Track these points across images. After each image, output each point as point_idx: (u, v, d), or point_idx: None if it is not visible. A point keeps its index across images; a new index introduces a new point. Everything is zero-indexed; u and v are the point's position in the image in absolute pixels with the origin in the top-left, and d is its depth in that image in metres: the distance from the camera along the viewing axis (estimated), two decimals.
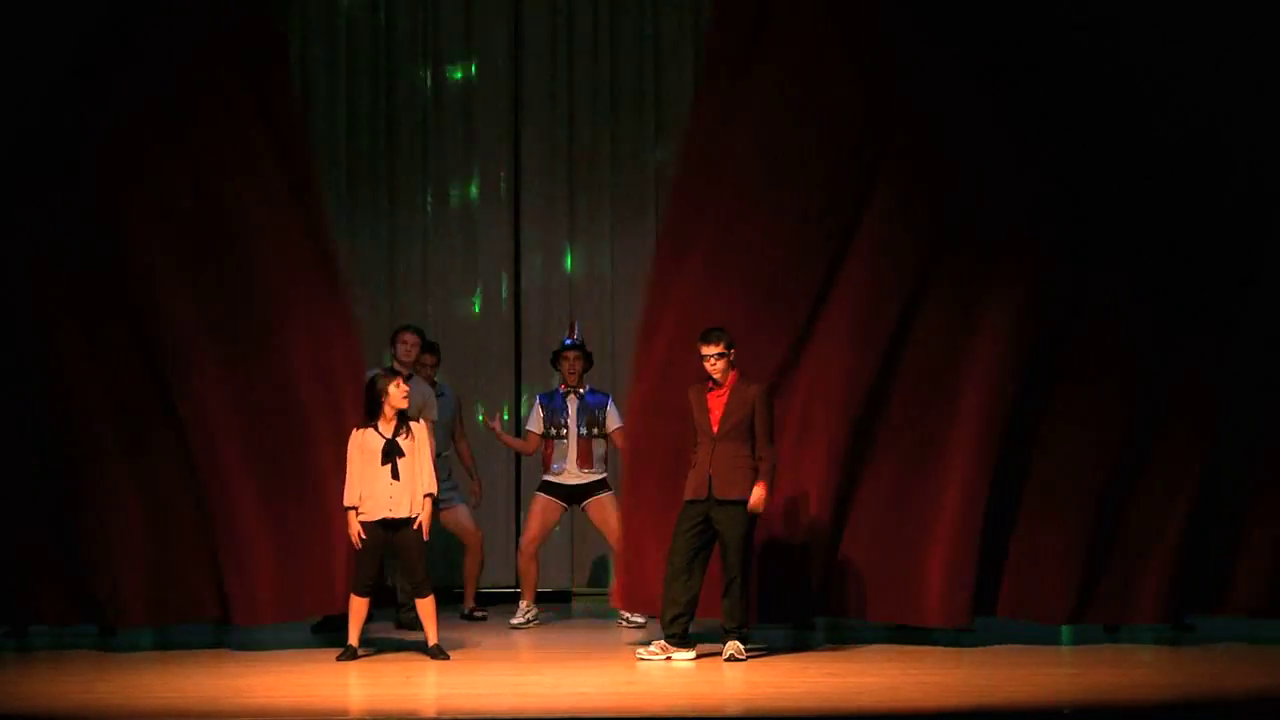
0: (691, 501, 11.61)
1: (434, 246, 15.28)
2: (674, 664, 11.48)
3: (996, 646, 12.17)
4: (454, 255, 15.28)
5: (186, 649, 12.36)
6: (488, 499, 14.73)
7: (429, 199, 15.29)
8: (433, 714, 10.34)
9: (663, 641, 11.63)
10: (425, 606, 11.79)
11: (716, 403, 11.62)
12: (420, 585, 11.78)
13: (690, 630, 11.63)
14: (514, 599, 13.76)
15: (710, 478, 11.55)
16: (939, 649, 12.11)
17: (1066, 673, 11.17)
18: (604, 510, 13.43)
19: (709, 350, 11.58)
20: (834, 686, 10.82)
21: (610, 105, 15.31)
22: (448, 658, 11.70)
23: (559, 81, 15.29)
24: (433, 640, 11.77)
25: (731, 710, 10.31)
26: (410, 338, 13.31)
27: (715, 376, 11.61)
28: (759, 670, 11.30)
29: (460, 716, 10.02)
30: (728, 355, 11.59)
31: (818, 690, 10.71)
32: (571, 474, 13.41)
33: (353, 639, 11.77)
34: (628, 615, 13.30)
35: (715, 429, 11.58)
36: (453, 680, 11.14)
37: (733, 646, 11.52)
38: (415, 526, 11.70)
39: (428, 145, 15.28)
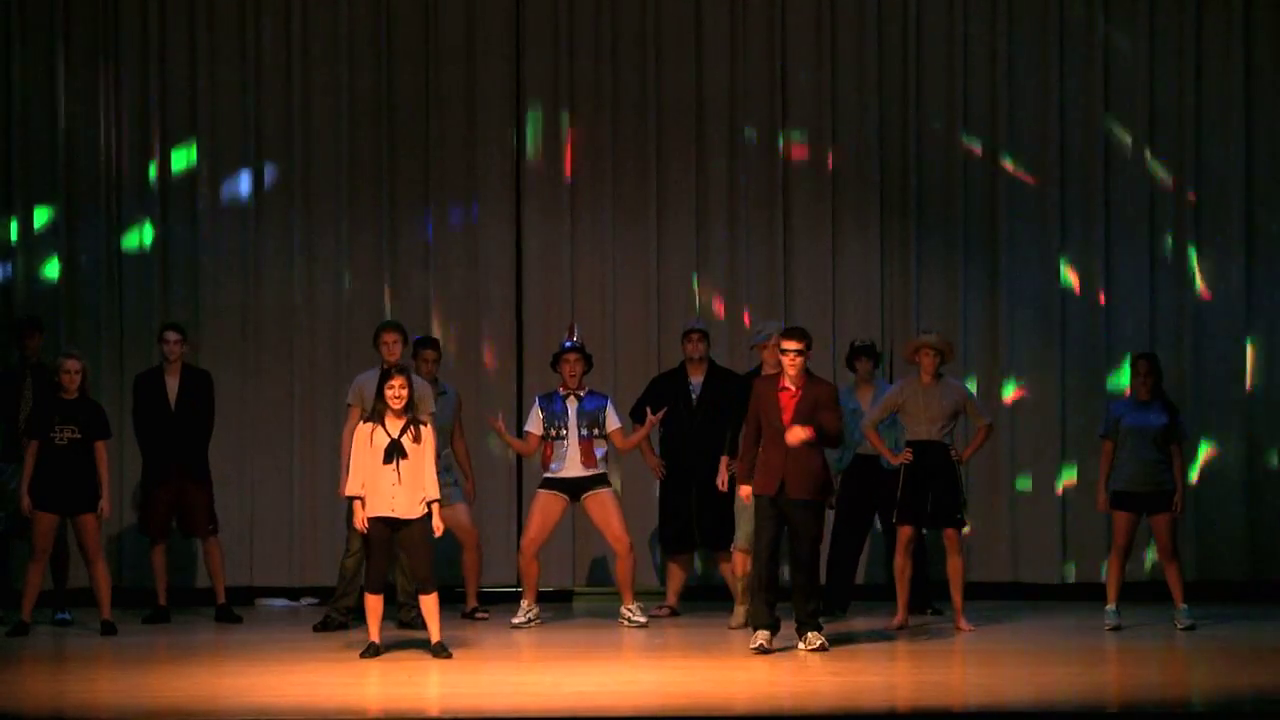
0: (760, 497, 11.79)
1: (435, 245, 15.27)
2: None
3: (998, 646, 12.17)
4: (455, 253, 15.27)
5: (189, 648, 12.36)
6: (490, 498, 14.73)
7: (430, 198, 15.27)
8: (435, 713, 10.33)
9: (766, 633, 11.78)
10: (429, 604, 11.79)
11: (789, 401, 11.69)
12: (425, 583, 11.79)
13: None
14: (515, 598, 13.75)
15: (784, 480, 11.72)
16: (940, 648, 12.11)
17: (1068, 672, 11.17)
18: (605, 507, 13.41)
19: (791, 346, 11.67)
20: (835, 686, 10.82)
21: (613, 103, 15.30)
22: (450, 656, 11.71)
23: (560, 79, 15.28)
24: (435, 638, 11.77)
25: (732, 710, 10.30)
26: (390, 336, 13.22)
27: (792, 373, 11.68)
28: (760, 670, 11.30)
29: (462, 715, 10.02)
30: (806, 354, 11.67)
31: (819, 690, 10.71)
32: (573, 469, 13.39)
33: (374, 635, 11.78)
34: (630, 614, 13.30)
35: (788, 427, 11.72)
36: (454, 679, 11.13)
37: (811, 639, 11.75)
38: (430, 528, 11.71)
39: (429, 144, 15.27)
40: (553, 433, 13.40)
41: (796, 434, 11.74)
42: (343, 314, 15.16)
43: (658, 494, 14.21)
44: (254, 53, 15.21)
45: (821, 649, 11.75)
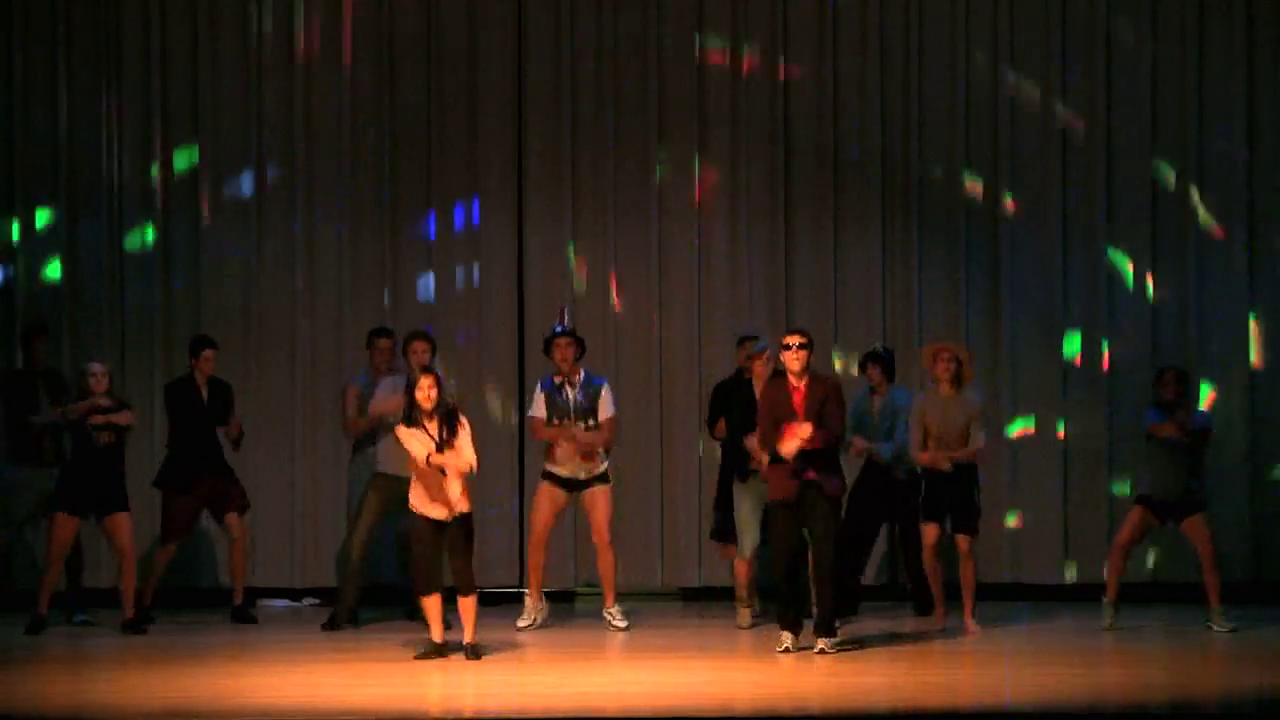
0: (778, 505, 11.79)
1: (436, 245, 15.28)
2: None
3: (999, 647, 12.18)
4: (455, 253, 15.27)
5: (191, 649, 12.37)
6: (488, 497, 14.73)
7: (431, 197, 15.28)
8: (437, 713, 10.35)
9: (789, 634, 11.84)
10: (468, 605, 11.76)
11: (799, 399, 11.72)
12: (466, 584, 11.75)
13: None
14: (516, 599, 13.72)
15: (802, 484, 11.70)
16: (942, 649, 12.13)
17: (1070, 672, 11.18)
18: (594, 500, 13.32)
19: (794, 340, 11.72)
20: (837, 686, 10.82)
21: (614, 103, 15.30)
22: (480, 657, 11.69)
23: (562, 81, 15.28)
24: (469, 639, 11.74)
25: (734, 710, 10.31)
26: (384, 343, 13.41)
27: (795, 368, 11.68)
28: (762, 670, 11.31)
29: (464, 716, 10.04)
30: (809, 348, 11.67)
31: (820, 690, 10.72)
32: (576, 471, 13.33)
33: (437, 635, 11.78)
34: (611, 617, 13.21)
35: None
36: (455, 680, 11.15)
37: (821, 643, 11.75)
38: (470, 529, 11.79)
39: (430, 144, 15.28)
40: (556, 420, 13.32)
41: (789, 447, 11.70)
42: (343, 314, 15.16)
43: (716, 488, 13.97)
44: (255, 53, 15.21)
45: (830, 651, 11.75)
